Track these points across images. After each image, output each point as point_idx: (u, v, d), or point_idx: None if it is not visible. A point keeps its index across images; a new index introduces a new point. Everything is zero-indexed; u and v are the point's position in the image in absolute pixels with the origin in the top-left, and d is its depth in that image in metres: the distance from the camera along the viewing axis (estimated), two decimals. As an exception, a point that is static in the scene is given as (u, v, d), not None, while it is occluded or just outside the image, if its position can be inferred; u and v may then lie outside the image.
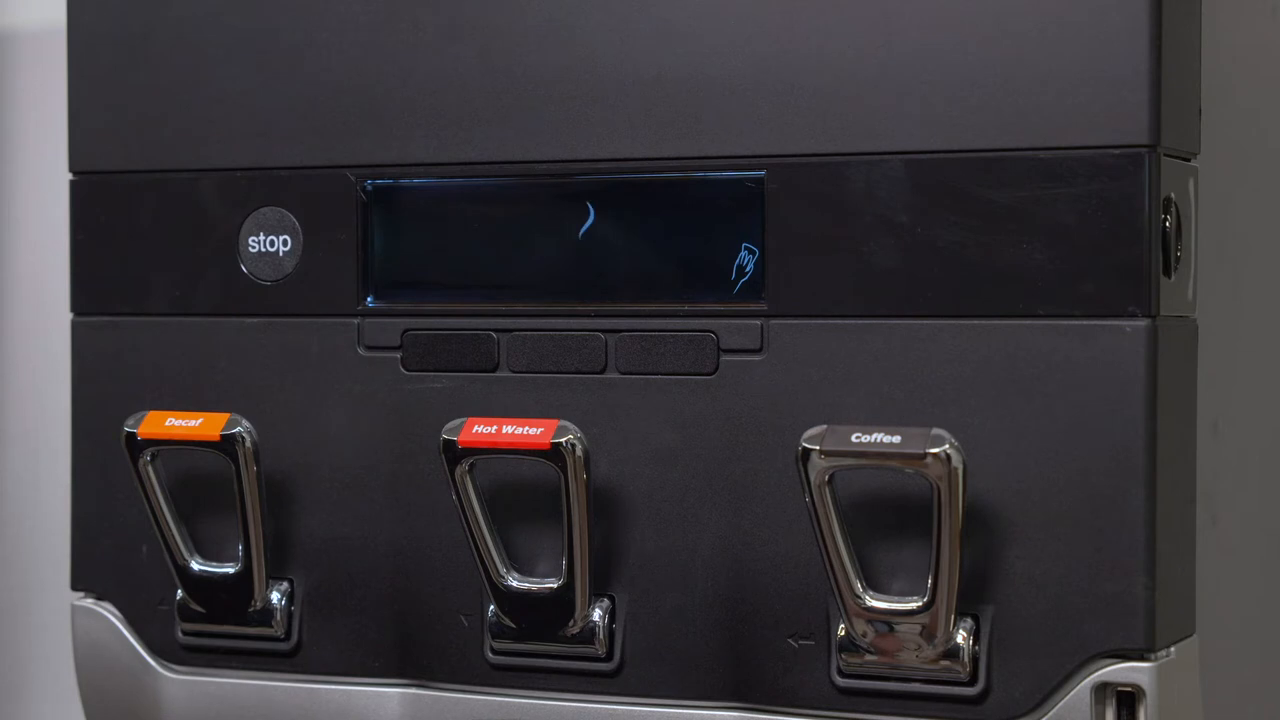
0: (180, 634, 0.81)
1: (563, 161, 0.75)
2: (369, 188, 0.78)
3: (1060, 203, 0.69)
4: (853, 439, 0.69)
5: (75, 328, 0.83)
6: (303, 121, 0.78)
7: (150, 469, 0.78)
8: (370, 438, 0.78)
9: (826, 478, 0.69)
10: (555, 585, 0.74)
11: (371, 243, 0.78)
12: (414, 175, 0.77)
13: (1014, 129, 0.69)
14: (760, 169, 0.73)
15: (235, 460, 0.77)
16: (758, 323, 0.73)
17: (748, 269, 0.73)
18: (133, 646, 0.82)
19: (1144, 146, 0.68)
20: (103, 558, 0.82)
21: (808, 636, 0.73)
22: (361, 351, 0.78)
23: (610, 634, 0.75)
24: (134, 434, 0.78)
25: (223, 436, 0.77)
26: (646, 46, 0.74)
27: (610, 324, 0.75)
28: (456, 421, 0.74)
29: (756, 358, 0.73)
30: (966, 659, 0.70)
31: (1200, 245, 0.73)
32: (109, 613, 0.82)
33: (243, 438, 0.77)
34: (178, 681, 0.81)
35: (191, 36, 0.80)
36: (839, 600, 0.71)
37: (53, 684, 1.17)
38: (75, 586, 0.83)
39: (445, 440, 0.74)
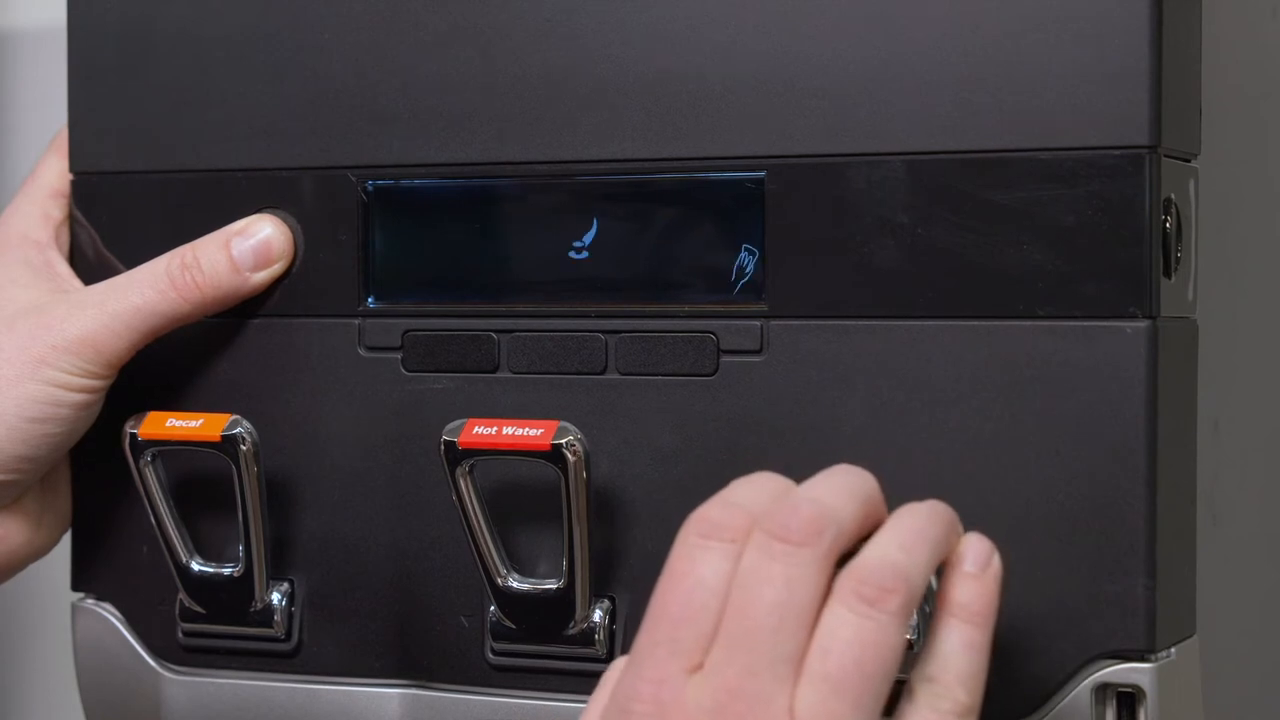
0: (180, 634, 0.81)
1: (563, 162, 0.75)
2: (370, 188, 0.78)
3: (1060, 203, 0.69)
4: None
5: (75, 328, 0.82)
6: (303, 122, 0.78)
7: (151, 469, 0.78)
8: (371, 438, 0.78)
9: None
10: (556, 586, 0.74)
11: (372, 243, 0.78)
12: (415, 176, 0.77)
13: (1014, 129, 0.69)
14: (761, 170, 0.72)
15: (236, 461, 0.77)
16: (758, 323, 0.73)
17: (748, 270, 0.73)
18: (133, 647, 0.82)
19: (1144, 147, 0.68)
20: (103, 558, 0.82)
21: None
22: (362, 352, 0.78)
23: (611, 635, 0.75)
24: (134, 434, 0.78)
25: (223, 437, 0.77)
26: (646, 46, 0.74)
27: (610, 325, 0.75)
28: (456, 422, 0.74)
29: (756, 358, 0.73)
30: (967, 659, 0.70)
31: (1200, 245, 0.73)
32: (109, 613, 0.82)
33: (243, 438, 0.77)
34: (178, 682, 0.81)
35: (191, 36, 0.80)
36: None
37: (53, 684, 1.17)
38: (75, 587, 0.83)
39: (445, 441, 0.74)
